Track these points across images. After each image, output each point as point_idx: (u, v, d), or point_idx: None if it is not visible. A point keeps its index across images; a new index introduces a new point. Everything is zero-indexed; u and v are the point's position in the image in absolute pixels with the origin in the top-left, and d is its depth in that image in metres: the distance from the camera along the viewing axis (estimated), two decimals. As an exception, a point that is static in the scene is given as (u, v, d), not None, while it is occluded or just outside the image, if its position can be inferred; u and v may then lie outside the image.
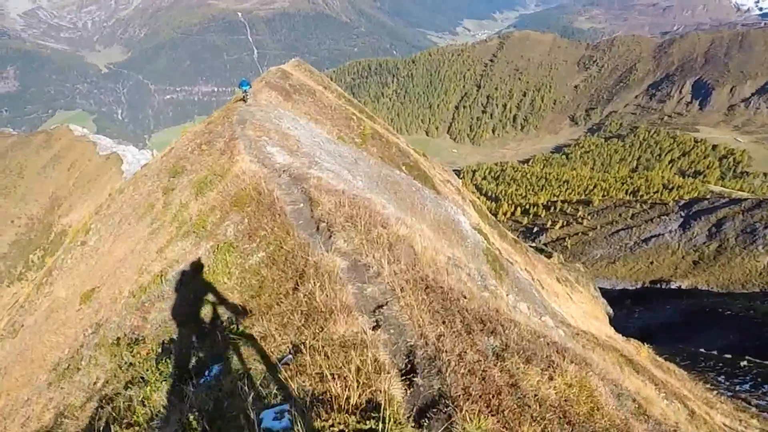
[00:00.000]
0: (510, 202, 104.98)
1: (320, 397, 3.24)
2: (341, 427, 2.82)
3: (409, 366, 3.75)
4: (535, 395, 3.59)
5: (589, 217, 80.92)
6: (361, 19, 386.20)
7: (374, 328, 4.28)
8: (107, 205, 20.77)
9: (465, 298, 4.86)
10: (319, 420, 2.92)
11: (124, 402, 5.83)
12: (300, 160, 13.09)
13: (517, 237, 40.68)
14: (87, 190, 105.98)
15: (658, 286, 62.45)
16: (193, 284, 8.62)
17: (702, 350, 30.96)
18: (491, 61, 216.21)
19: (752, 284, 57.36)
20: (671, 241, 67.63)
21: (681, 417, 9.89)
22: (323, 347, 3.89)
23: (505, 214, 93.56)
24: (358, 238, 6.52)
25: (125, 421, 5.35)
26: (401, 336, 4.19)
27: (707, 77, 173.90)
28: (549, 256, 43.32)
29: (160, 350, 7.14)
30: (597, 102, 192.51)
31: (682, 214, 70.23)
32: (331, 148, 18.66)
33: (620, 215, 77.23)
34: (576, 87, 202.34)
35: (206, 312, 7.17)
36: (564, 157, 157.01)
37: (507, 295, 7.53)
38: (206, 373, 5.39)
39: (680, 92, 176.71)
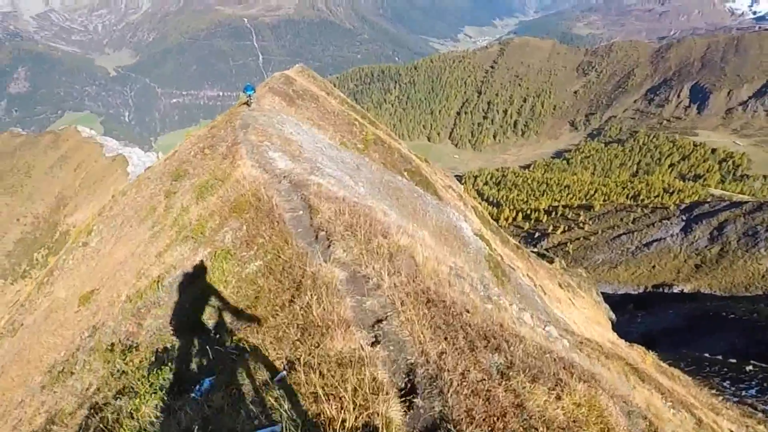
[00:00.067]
0: (511, 207, 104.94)
1: (313, 420, 3.10)
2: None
3: (409, 386, 3.56)
4: (542, 416, 3.40)
5: (591, 222, 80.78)
6: (364, 26, 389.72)
7: (373, 344, 4.09)
8: (110, 206, 20.75)
9: (468, 312, 4.66)
10: (311, 445, 2.75)
11: (112, 413, 5.69)
12: (302, 165, 12.96)
13: (519, 242, 40.49)
14: (93, 190, 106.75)
15: (661, 290, 62.14)
16: (189, 291, 8.51)
17: (706, 355, 30.61)
18: (492, 67, 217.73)
19: (755, 287, 57.04)
20: (673, 245, 67.39)
21: (689, 427, 9.66)
22: (319, 364, 3.75)
23: (506, 219, 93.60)
24: (357, 247, 6.34)
25: (112, 433, 5.18)
26: (401, 353, 4.01)
27: (704, 81, 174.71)
28: (551, 261, 43.16)
29: (153, 359, 7.05)
30: (596, 107, 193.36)
31: (684, 217, 70.10)
32: (333, 153, 18.55)
33: (621, 220, 77.10)
34: (575, 92, 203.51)
35: (201, 322, 7.04)
36: (565, 162, 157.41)
37: (511, 305, 7.34)
38: (197, 387, 5.23)
39: (678, 96, 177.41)
